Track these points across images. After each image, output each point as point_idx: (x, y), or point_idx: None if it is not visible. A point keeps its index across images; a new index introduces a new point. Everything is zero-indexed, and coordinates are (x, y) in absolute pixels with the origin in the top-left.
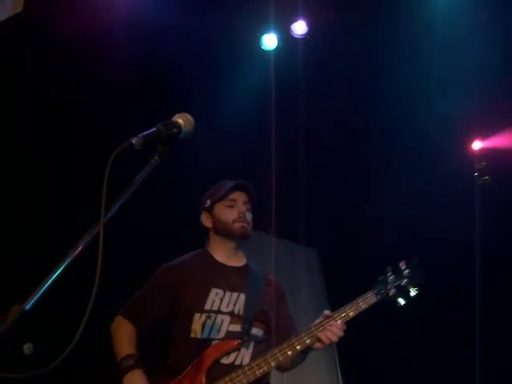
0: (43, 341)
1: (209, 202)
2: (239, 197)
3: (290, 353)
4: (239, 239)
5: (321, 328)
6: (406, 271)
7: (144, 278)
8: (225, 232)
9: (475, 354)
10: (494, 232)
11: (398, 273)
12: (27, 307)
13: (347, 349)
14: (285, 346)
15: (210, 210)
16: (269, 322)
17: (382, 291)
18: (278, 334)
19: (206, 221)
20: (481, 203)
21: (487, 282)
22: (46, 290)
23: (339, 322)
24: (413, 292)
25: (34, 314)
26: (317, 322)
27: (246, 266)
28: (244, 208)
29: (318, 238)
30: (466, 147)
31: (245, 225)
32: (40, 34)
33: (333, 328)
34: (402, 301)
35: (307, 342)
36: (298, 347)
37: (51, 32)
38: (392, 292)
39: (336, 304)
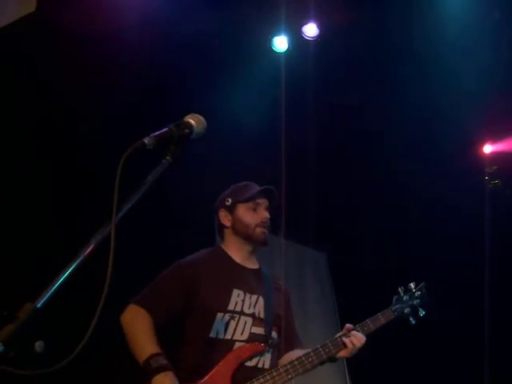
0: (54, 338)
1: (230, 200)
2: (263, 201)
3: (316, 362)
4: (258, 244)
5: (344, 337)
6: (417, 293)
7: (154, 276)
8: (245, 235)
9: (484, 354)
10: (504, 236)
11: (410, 293)
12: (39, 305)
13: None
14: (312, 354)
15: (230, 209)
16: (281, 326)
17: (399, 309)
18: (285, 338)
19: (224, 219)
20: (491, 207)
21: (497, 285)
22: (57, 288)
23: (361, 333)
24: (421, 312)
25: (45, 312)
26: (339, 334)
27: (259, 270)
28: (267, 214)
29: (328, 243)
30: (476, 151)
31: (266, 231)
32: (51, 33)
33: (358, 335)
34: (412, 320)
35: (333, 351)
36: (324, 356)
37: (62, 32)
38: (406, 311)
39: (344, 308)
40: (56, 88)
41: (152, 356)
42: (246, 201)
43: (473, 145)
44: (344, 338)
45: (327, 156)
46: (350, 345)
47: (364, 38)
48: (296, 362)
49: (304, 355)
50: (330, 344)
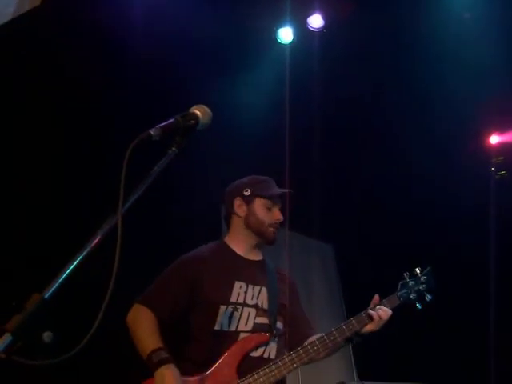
0: (62, 329)
1: (249, 191)
2: (279, 202)
3: (330, 344)
4: (266, 242)
5: (371, 310)
6: (423, 278)
7: (160, 268)
8: (257, 230)
9: (489, 342)
10: (510, 227)
11: (416, 279)
12: (46, 296)
13: (361, 341)
14: (317, 343)
15: (247, 200)
16: (286, 316)
17: (405, 295)
18: (292, 327)
19: (239, 208)
20: (497, 198)
21: (503, 277)
22: (65, 279)
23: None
24: (428, 297)
25: (53, 303)
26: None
27: (263, 261)
28: (281, 217)
29: (334, 234)
30: (483, 142)
31: (276, 231)
32: (57, 27)
33: (384, 309)
34: (419, 305)
35: (357, 326)
36: (348, 333)
37: (67, 26)
38: (412, 296)
39: (351, 300)
40: (59, 81)
41: (154, 351)
42: (267, 197)
43: (479, 135)
44: (371, 312)
45: (332, 147)
46: (376, 317)
47: (369, 29)
48: (301, 351)
49: (309, 344)
50: (354, 321)
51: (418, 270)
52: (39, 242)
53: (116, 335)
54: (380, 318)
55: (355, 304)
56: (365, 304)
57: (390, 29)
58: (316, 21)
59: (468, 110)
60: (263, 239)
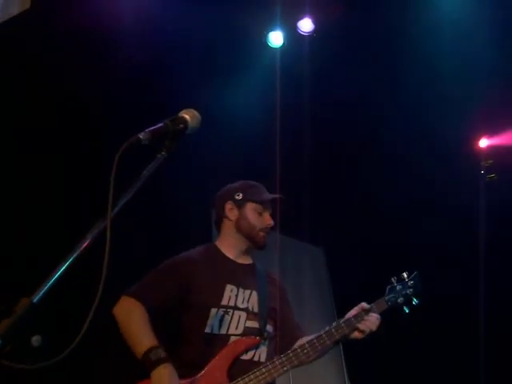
0: (51, 333)
1: (241, 195)
2: (270, 207)
3: (320, 347)
4: (256, 247)
5: (359, 319)
6: (410, 282)
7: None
8: (248, 234)
9: (478, 345)
10: (499, 230)
11: (403, 283)
12: (35, 300)
13: (353, 345)
14: (307, 346)
15: (239, 204)
16: (277, 320)
17: (393, 299)
18: (282, 331)
19: (230, 212)
20: (486, 201)
21: (492, 280)
22: (53, 283)
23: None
24: (415, 301)
25: (42, 307)
26: (353, 313)
27: (253, 265)
28: (272, 222)
29: (324, 237)
30: (473, 145)
31: (266, 236)
32: (46, 31)
33: (372, 318)
34: (406, 309)
35: (346, 331)
36: (337, 336)
37: (57, 29)
38: (400, 300)
39: (342, 303)
40: (50, 85)
41: (151, 349)
42: (258, 202)
43: (469, 139)
44: (359, 325)
45: (323, 150)
46: (366, 329)
47: (360, 33)
48: (291, 354)
49: (299, 347)
50: (343, 324)
51: (405, 275)
52: (28, 246)
53: (106, 338)
54: (369, 329)
55: (346, 307)
56: (354, 305)
57: (381, 32)
58: (306, 25)
59: (457, 114)
60: (253, 243)
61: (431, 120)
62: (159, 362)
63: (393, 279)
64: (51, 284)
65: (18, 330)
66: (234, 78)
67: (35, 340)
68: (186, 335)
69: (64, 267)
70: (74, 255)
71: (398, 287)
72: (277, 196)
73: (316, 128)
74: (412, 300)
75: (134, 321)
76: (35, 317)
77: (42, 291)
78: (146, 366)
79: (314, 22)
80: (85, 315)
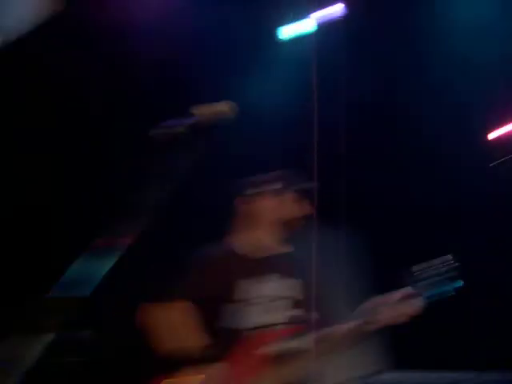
0: (103, 327)
1: (278, 186)
2: (307, 195)
3: (359, 335)
4: (295, 235)
5: (396, 307)
6: (444, 267)
7: (175, 263)
8: (288, 223)
9: None
10: (506, 220)
11: (437, 268)
12: (87, 295)
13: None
14: (349, 331)
15: (276, 195)
16: (319, 307)
17: (427, 284)
18: (325, 318)
19: (269, 202)
20: (494, 192)
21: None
22: (104, 279)
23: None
24: (454, 285)
25: (93, 302)
26: (396, 297)
27: (291, 253)
28: (310, 209)
29: (363, 224)
30: (483, 136)
31: (305, 224)
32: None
33: (413, 302)
34: (441, 294)
35: (380, 322)
36: (370, 328)
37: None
38: (434, 285)
39: (382, 291)
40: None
41: (207, 346)
42: (298, 191)
43: (480, 130)
44: (399, 309)
45: (359, 138)
46: (407, 313)
47: (391, 16)
48: (334, 342)
49: (339, 336)
50: (383, 312)
51: (438, 260)
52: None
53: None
54: (410, 313)
55: (380, 293)
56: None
57: (411, 18)
58: (338, 9)
59: (467, 104)
60: (292, 232)
61: (463, 105)
62: (213, 358)
63: (433, 262)
64: (102, 280)
65: (69, 326)
66: (268, 68)
67: (87, 334)
68: (218, 330)
69: (113, 263)
70: (120, 251)
71: (432, 272)
72: (313, 184)
73: (352, 114)
74: (446, 285)
75: (171, 323)
76: (86, 313)
77: (94, 287)
78: (199, 362)
79: (347, 6)
80: (132, 312)
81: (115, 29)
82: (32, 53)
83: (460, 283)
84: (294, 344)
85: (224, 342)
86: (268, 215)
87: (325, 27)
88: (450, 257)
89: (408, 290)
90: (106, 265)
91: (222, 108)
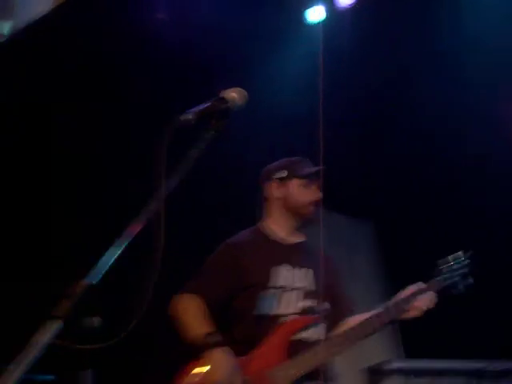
0: (110, 314)
1: (286, 173)
2: (316, 180)
3: (370, 329)
4: (307, 222)
5: (411, 300)
6: (466, 261)
7: (198, 254)
8: (297, 211)
9: None
10: None
11: (459, 261)
12: (94, 281)
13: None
14: (364, 323)
15: (284, 182)
16: (332, 297)
17: (448, 278)
18: (336, 308)
19: (276, 191)
20: None
21: None
22: (111, 265)
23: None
24: (469, 281)
25: (100, 288)
26: (408, 292)
27: (305, 242)
28: (321, 194)
29: (373, 211)
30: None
31: (315, 210)
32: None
33: (429, 296)
34: (461, 289)
35: (396, 315)
36: (386, 320)
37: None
38: (455, 279)
39: (394, 280)
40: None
41: (209, 334)
42: (303, 177)
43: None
44: (414, 303)
45: (365, 126)
46: (422, 307)
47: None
48: (349, 332)
49: (351, 328)
50: (393, 308)
51: (460, 253)
52: (82, 229)
53: (161, 321)
54: (425, 307)
55: (397, 283)
56: (407, 282)
57: (424, 6)
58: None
59: (491, 93)
60: (303, 218)
61: (480, 95)
62: (217, 344)
63: (448, 257)
64: (109, 265)
65: (78, 312)
66: (277, 57)
67: (94, 321)
68: (240, 317)
69: (121, 249)
70: (130, 237)
71: (455, 266)
72: (320, 168)
73: (360, 100)
74: (467, 279)
75: (192, 312)
76: (95, 298)
77: (101, 273)
78: (204, 348)
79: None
80: (141, 297)
81: (135, 14)
82: (44, 43)
83: (472, 281)
84: (313, 333)
85: (258, 328)
86: (277, 205)
87: (335, 14)
88: (467, 252)
89: (431, 283)
90: (117, 252)
91: (233, 94)
